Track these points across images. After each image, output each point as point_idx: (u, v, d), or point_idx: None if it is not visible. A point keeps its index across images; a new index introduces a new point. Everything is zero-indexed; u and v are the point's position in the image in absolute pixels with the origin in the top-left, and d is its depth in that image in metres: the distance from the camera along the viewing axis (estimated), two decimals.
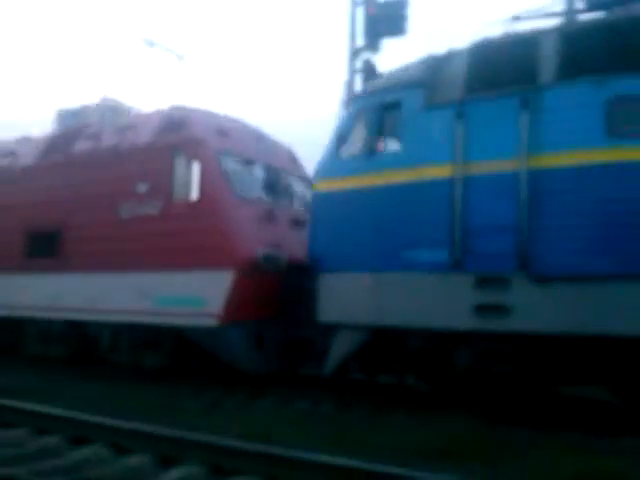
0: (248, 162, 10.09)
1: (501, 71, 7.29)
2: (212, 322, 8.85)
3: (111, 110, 12.00)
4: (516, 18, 8.35)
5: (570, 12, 8.19)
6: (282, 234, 9.44)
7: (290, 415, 7.16)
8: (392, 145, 8.19)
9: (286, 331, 9.05)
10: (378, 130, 8.08)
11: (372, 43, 12.04)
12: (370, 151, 7.95)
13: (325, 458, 4.52)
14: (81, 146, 11.60)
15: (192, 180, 9.56)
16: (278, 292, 8.95)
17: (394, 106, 7.86)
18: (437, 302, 7.18)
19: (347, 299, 7.92)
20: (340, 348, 8.08)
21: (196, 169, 9.57)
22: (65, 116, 11.87)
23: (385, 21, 11.63)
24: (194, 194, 9.54)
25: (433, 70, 7.84)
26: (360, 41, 12.69)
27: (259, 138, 10.89)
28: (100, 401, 7.47)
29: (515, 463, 5.16)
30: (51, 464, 4.82)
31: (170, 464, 4.68)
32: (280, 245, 9.16)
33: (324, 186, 8.43)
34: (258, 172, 10.14)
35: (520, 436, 6.16)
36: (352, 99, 9.60)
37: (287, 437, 5.60)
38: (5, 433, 5.91)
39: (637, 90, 6.33)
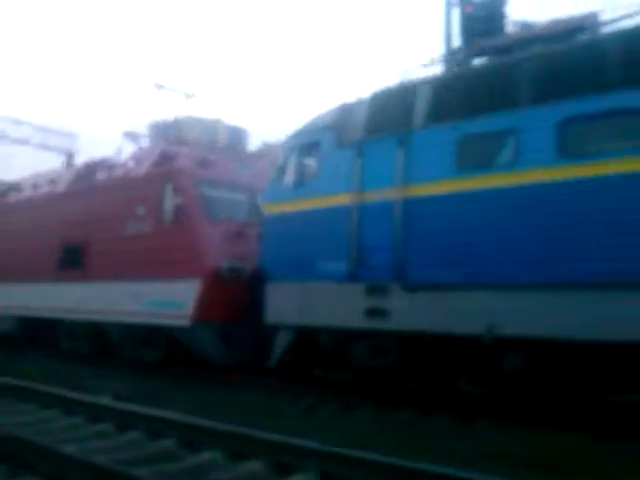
0: (230, 188, 11.83)
1: (388, 116, 8.80)
2: (186, 322, 10.85)
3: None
4: (425, 65, 9.63)
5: (458, 59, 9.48)
6: (251, 248, 10.79)
7: (381, 423, 7.35)
8: (313, 177, 9.67)
9: (253, 331, 10.59)
10: (304, 165, 9.74)
11: (468, 43, 12.07)
12: (298, 181, 9.65)
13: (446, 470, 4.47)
14: (100, 175, 14.04)
15: (175, 204, 11.69)
16: (245, 298, 10.52)
17: (314, 145, 9.60)
18: (338, 306, 8.79)
19: (282, 305, 9.59)
20: (279, 345, 9.76)
21: (179, 195, 11.61)
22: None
23: (482, 20, 11.55)
24: (176, 216, 11.70)
25: (343, 116, 9.47)
26: (456, 42, 11.89)
27: (245, 165, 12.52)
28: (199, 405, 7.67)
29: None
30: (171, 467, 4.93)
31: (283, 471, 4.67)
32: (248, 258, 10.73)
33: (268, 209, 10.33)
34: (238, 195, 11.84)
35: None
36: (287, 138, 10.58)
37: (379, 445, 5.43)
38: (122, 436, 6.08)
39: (477, 129, 7.65)
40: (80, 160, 20.73)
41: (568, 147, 6.97)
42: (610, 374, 7.02)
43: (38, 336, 15.15)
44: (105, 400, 7.66)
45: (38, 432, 6.12)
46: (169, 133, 13.22)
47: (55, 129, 30.93)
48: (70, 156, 33.97)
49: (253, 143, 14.62)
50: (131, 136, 14.99)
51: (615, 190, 6.44)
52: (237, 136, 13.86)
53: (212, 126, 13.21)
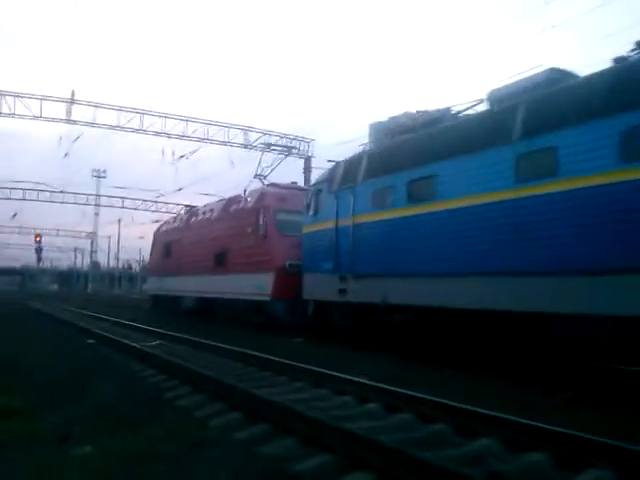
0: (292, 212, 18.17)
1: (349, 175, 14.74)
2: (268, 298, 17.97)
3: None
4: (389, 134, 15.13)
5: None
6: None
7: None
8: (320, 210, 16.00)
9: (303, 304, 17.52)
10: (317, 202, 15.92)
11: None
12: (314, 213, 16.12)
13: None
14: (231, 208, 22.08)
15: (264, 226, 19.10)
16: (299, 284, 16.70)
17: (320, 191, 16.09)
18: (327, 287, 15.11)
19: (307, 287, 16.10)
20: (309, 310, 16.21)
21: (265, 220, 18.86)
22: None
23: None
24: (264, 234, 19.01)
25: (332, 174, 15.71)
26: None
27: (301, 195, 18.44)
28: (445, 388, 7.31)
29: None
30: (448, 453, 4.76)
31: (570, 466, 4.29)
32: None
33: (303, 229, 16.68)
34: (297, 217, 17.69)
35: None
36: (312, 186, 17.13)
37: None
38: (393, 418, 6.15)
39: (381, 184, 13.04)
40: (317, 163, 30.15)
41: (411, 198, 12.05)
42: (453, 328, 11.23)
43: (206, 310, 23.51)
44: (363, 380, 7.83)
45: (312, 408, 6.16)
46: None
47: (295, 135, 36.05)
48: (307, 159, 40.89)
49: None
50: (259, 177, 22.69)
51: (441, 220, 11.14)
52: None
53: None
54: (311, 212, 16.01)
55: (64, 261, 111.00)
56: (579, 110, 8.68)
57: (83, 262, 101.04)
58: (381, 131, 14.61)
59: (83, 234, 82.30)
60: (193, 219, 26.42)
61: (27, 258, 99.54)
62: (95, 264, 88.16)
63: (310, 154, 38.12)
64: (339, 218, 14.44)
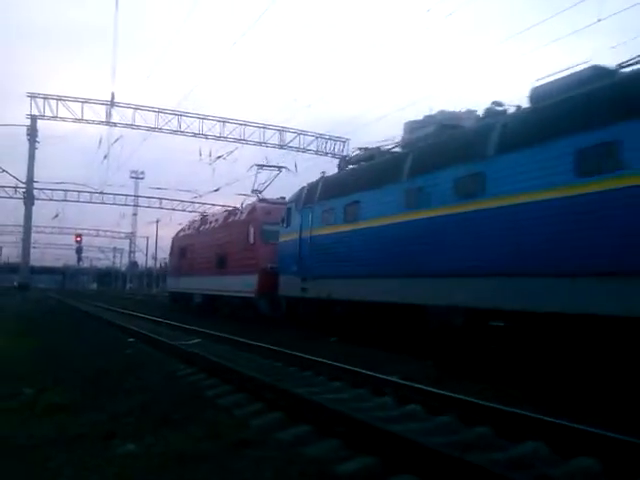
0: (275, 224, 19.74)
1: (309, 197, 16.56)
2: (254, 295, 20.03)
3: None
4: (347, 161, 17.24)
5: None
6: None
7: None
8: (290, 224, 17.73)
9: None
10: (289, 216, 17.84)
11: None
12: (287, 225, 17.83)
13: None
14: (230, 218, 24.97)
15: (253, 236, 21.06)
16: (276, 282, 18.62)
17: (290, 209, 17.78)
18: (294, 286, 16.84)
19: (281, 286, 18.20)
20: (283, 305, 18.47)
21: (253, 230, 21.15)
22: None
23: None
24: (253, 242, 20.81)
25: (298, 195, 17.38)
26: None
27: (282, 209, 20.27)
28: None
29: None
30: (494, 457, 4.52)
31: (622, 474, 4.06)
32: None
33: (280, 239, 18.63)
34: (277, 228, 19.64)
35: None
36: (287, 204, 19.11)
37: None
38: (434, 419, 5.88)
39: (329, 206, 15.59)
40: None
41: (346, 218, 14.84)
42: (374, 317, 13.64)
43: (211, 306, 26.10)
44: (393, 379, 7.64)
45: (353, 409, 5.92)
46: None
47: (330, 135, 35.91)
48: (343, 159, 41.05)
49: None
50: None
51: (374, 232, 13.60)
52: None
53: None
54: (285, 225, 18.03)
55: (103, 261, 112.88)
56: (436, 163, 11.75)
57: (122, 262, 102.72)
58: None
59: (122, 234, 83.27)
60: (202, 227, 29.14)
61: (68, 258, 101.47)
62: (133, 264, 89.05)
63: (345, 154, 38.08)
64: (302, 231, 16.63)
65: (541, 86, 10.25)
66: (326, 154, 35.57)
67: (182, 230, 34.09)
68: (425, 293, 11.46)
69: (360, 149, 16.39)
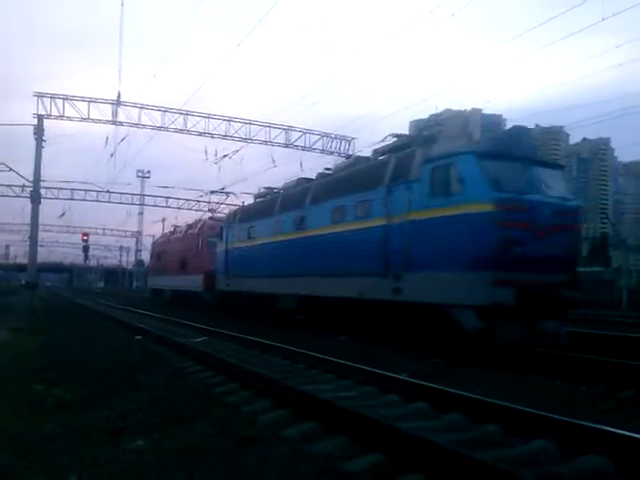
0: (216, 236, 24.67)
1: (232, 219, 23.35)
2: (201, 289, 27.05)
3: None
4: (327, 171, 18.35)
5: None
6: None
7: None
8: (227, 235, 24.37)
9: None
10: (222, 232, 25.19)
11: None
12: (220, 238, 24.91)
13: None
14: (189, 230, 32.60)
15: (201, 245, 28.26)
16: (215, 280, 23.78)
17: (222, 226, 25.21)
18: (223, 282, 23.92)
19: (217, 282, 24.67)
20: (218, 296, 24.83)
21: (201, 241, 28.79)
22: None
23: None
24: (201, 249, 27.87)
25: (228, 215, 25.65)
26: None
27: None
28: (500, 389, 7.06)
29: None
30: (502, 454, 4.44)
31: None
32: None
33: (217, 248, 25.12)
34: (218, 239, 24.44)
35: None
36: (224, 221, 26.27)
37: None
38: (443, 418, 5.77)
39: (254, 224, 20.92)
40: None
41: (249, 236, 21.11)
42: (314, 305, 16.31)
43: (175, 299, 32.37)
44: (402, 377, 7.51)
45: (360, 406, 5.89)
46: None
47: (336, 134, 35.46)
48: (348, 157, 41.04)
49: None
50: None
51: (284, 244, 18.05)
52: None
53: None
54: (220, 238, 24.20)
55: (110, 259, 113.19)
56: (288, 206, 18.43)
57: (128, 260, 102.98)
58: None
59: (128, 233, 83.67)
60: (172, 236, 37.28)
61: (75, 256, 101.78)
62: (140, 262, 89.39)
63: (351, 153, 37.93)
64: (227, 243, 23.02)
65: (337, 164, 18.21)
66: (331, 153, 35.42)
67: (159, 238, 44.16)
68: (277, 285, 18.20)
69: (265, 188, 22.53)
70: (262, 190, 22.34)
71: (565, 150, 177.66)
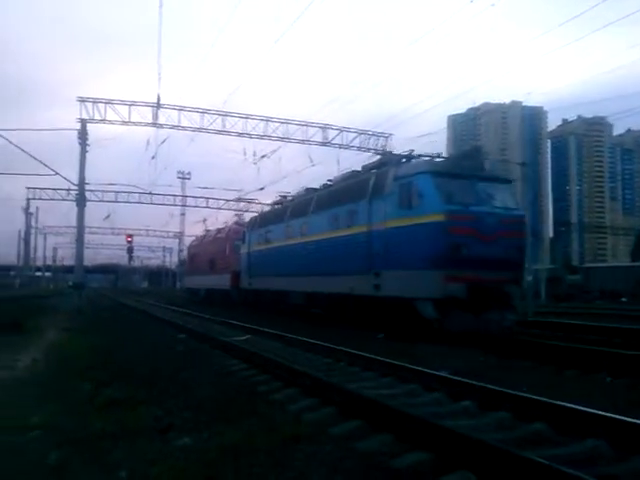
0: (241, 239, 27.87)
1: (251, 224, 26.86)
2: (228, 287, 29.90)
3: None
4: (329, 182, 20.47)
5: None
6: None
7: None
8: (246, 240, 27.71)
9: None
10: (244, 236, 28.28)
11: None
12: (243, 242, 28.76)
13: None
14: (218, 235, 36.84)
15: (227, 248, 31.56)
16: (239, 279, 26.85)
17: (245, 231, 28.90)
18: (246, 281, 27.22)
19: (241, 281, 27.69)
20: (242, 293, 27.78)
21: (228, 245, 31.65)
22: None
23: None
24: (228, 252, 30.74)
25: (249, 221, 29.14)
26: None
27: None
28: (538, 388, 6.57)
29: None
30: (551, 453, 4.27)
31: None
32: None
33: (241, 251, 27.82)
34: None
35: None
36: (246, 227, 29.86)
37: None
38: (489, 416, 5.66)
39: (267, 229, 24.26)
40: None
41: (266, 240, 24.43)
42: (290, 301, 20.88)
43: (208, 297, 35.71)
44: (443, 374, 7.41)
45: (405, 404, 5.88)
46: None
47: (374, 131, 34.80)
48: (384, 154, 40.56)
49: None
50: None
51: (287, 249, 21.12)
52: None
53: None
54: (243, 242, 27.10)
55: (153, 260, 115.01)
56: (296, 214, 21.24)
57: (171, 261, 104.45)
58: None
59: (171, 234, 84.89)
60: (204, 240, 41.51)
61: (119, 257, 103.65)
62: (182, 262, 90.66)
63: (388, 149, 37.63)
64: (249, 246, 25.73)
65: (336, 176, 20.33)
66: (368, 150, 35.17)
67: (193, 241, 48.55)
68: (289, 284, 20.92)
69: (280, 196, 26.07)
70: (277, 197, 26.24)
71: (609, 141, 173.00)
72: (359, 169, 18.20)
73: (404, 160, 15.41)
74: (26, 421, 5.21)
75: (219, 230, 37.13)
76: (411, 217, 13.14)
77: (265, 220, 24.38)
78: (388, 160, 16.07)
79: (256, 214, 29.22)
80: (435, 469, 4.13)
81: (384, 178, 14.61)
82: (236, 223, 33.87)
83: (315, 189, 20.68)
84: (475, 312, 12.14)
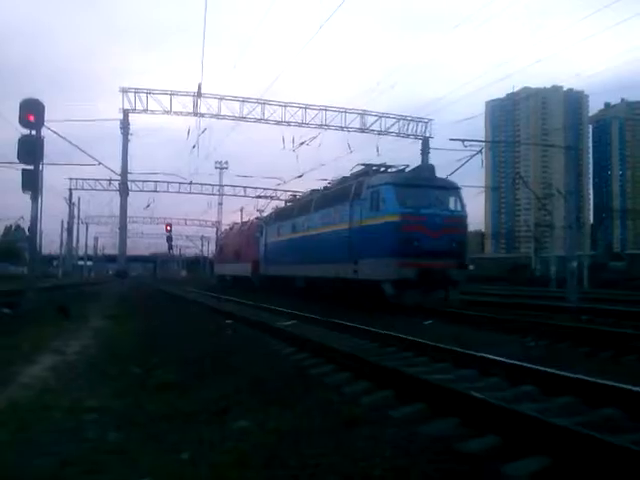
0: (259, 232, 31.97)
1: (268, 219, 31.16)
2: (249, 274, 33.39)
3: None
4: (327, 186, 24.67)
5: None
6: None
7: None
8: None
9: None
10: (261, 230, 32.76)
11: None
12: (260, 234, 33.29)
13: None
14: (243, 227, 41.02)
15: (249, 239, 34.66)
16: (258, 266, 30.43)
17: (261, 225, 33.86)
18: (264, 268, 31.17)
19: (260, 268, 31.02)
20: (261, 279, 30.84)
21: (252, 234, 34.24)
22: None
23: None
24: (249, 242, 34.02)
25: (266, 216, 32.36)
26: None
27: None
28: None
29: None
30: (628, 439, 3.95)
31: None
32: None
33: (260, 242, 32.05)
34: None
35: None
36: (261, 222, 35.13)
37: None
38: (554, 400, 5.56)
39: (283, 223, 28.19)
40: (436, 143, 35.88)
41: (279, 232, 28.85)
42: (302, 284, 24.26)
43: (234, 283, 40.02)
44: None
45: (464, 387, 5.72)
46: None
47: (412, 117, 35.25)
48: (425, 140, 36.77)
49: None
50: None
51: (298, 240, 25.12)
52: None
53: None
54: (260, 235, 31.16)
55: (192, 249, 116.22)
56: (302, 211, 25.68)
57: (209, 250, 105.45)
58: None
59: (209, 223, 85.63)
60: (230, 232, 46.09)
61: (159, 246, 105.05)
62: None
63: (428, 134, 37.04)
64: (265, 238, 29.95)
65: (332, 180, 23.86)
66: (407, 136, 34.80)
67: (222, 233, 53.96)
68: (294, 270, 24.78)
69: (292, 195, 31.31)
70: (290, 196, 31.74)
71: None
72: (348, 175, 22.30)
73: (382, 170, 20.20)
74: (81, 404, 5.21)
75: (244, 223, 41.78)
76: (377, 217, 17.30)
77: (278, 216, 28.92)
78: (368, 170, 20.19)
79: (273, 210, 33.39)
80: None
81: (361, 186, 18.61)
82: (257, 218, 37.40)
83: (317, 190, 25.15)
84: (425, 291, 16.39)
